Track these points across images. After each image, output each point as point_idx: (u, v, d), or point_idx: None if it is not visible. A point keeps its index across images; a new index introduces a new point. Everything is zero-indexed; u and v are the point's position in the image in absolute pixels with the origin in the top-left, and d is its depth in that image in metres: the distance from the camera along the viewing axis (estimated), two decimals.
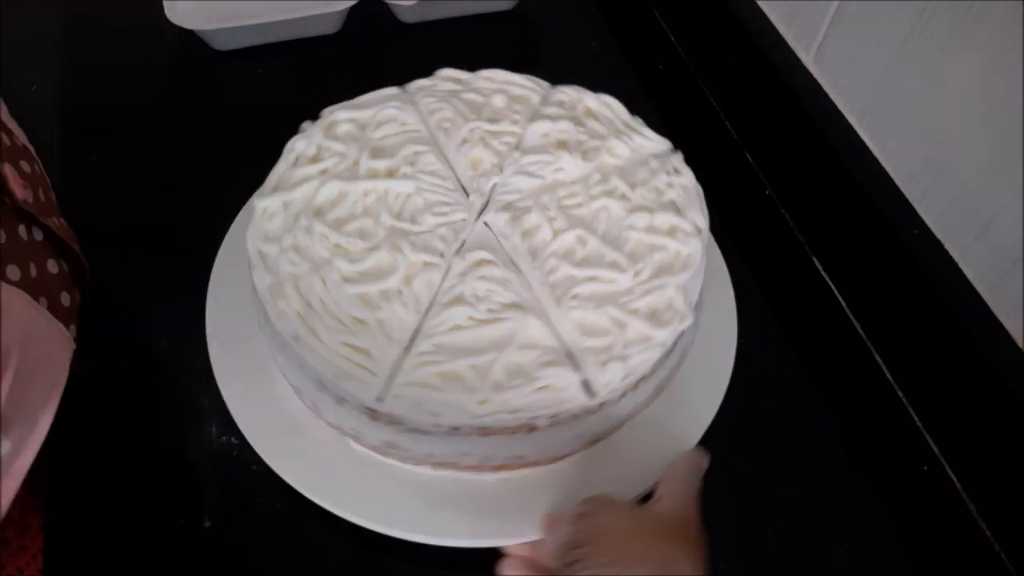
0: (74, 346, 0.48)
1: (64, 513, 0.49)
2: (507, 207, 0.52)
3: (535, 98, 0.58)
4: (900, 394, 0.56)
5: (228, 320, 0.54)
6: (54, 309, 0.47)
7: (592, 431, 0.48)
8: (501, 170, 0.54)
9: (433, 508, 0.47)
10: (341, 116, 0.55)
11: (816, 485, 0.52)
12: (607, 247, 0.49)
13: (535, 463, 0.48)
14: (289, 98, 0.73)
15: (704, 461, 0.45)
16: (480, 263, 0.48)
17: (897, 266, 0.53)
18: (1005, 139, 0.46)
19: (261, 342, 0.52)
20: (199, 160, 0.69)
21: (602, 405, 0.45)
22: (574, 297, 0.47)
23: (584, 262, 0.49)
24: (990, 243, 0.48)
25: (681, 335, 0.47)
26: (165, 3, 0.73)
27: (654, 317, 0.47)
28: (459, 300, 0.46)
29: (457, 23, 0.80)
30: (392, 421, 0.44)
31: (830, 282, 0.61)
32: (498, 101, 0.57)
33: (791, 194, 0.66)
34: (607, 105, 0.58)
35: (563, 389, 0.44)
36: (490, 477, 0.48)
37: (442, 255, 0.49)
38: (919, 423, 0.54)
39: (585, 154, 0.54)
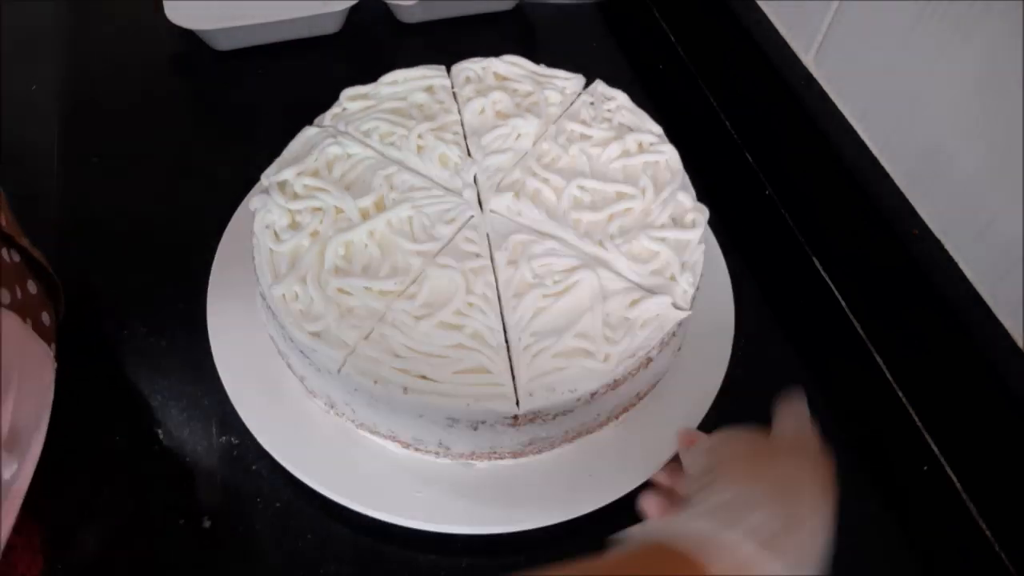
0: (56, 364, 0.48)
1: (64, 514, 0.49)
2: (501, 188, 0.52)
3: (446, 83, 0.59)
4: (900, 394, 0.56)
5: (229, 318, 0.54)
6: (37, 330, 0.47)
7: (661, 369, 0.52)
8: (471, 157, 0.54)
9: (455, 497, 0.48)
10: (287, 175, 0.52)
11: None
12: (606, 183, 0.52)
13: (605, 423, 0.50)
14: (289, 98, 0.73)
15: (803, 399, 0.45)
16: (518, 245, 0.49)
17: (897, 266, 0.54)
18: (1005, 139, 0.46)
19: (263, 338, 0.52)
20: (199, 160, 0.69)
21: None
22: (611, 237, 0.50)
23: (597, 204, 0.52)
24: (990, 243, 0.48)
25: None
26: (165, 3, 0.73)
27: (680, 224, 0.51)
28: (525, 286, 0.47)
29: (457, 23, 0.80)
30: (534, 418, 0.45)
31: (830, 282, 0.61)
32: (419, 98, 0.57)
33: (791, 194, 0.66)
34: (514, 64, 0.59)
35: (659, 315, 0.47)
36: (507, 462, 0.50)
37: (478, 255, 0.49)
38: (919, 423, 0.54)
39: (529, 112, 0.56)
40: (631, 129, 0.56)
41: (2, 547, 0.42)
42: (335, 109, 0.57)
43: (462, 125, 0.56)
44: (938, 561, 0.50)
